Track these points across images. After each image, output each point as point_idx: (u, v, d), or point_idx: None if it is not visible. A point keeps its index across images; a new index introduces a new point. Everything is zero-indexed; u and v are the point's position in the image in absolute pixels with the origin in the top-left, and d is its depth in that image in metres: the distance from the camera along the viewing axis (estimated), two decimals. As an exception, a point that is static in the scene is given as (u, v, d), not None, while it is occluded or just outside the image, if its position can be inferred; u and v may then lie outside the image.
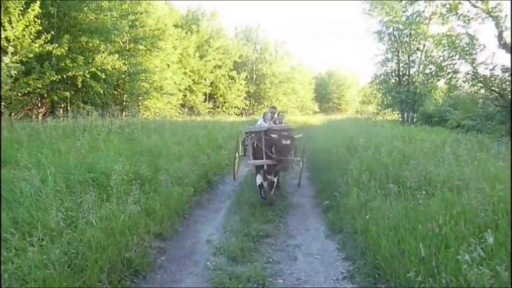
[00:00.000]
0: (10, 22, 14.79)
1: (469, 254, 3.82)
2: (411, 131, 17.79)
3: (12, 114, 15.57)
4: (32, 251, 4.03)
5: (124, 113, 22.78)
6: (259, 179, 9.04)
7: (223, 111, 39.29)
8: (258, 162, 9.01)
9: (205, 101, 37.07)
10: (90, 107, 19.14)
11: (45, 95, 18.16)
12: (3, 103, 14.56)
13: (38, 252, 4.06)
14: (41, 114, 18.12)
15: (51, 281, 3.84)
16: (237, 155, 11.55)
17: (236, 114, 40.71)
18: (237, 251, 6.23)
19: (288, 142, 8.63)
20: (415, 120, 30.68)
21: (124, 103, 24.05)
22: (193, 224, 7.61)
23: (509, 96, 18.80)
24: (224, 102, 40.50)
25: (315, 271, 5.90)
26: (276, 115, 11.41)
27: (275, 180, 9.27)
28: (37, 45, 15.74)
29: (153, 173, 8.47)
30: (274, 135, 8.75)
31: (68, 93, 18.69)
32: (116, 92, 23.35)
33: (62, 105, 19.76)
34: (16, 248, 4.19)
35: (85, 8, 18.98)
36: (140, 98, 24.83)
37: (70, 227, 4.78)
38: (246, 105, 43.59)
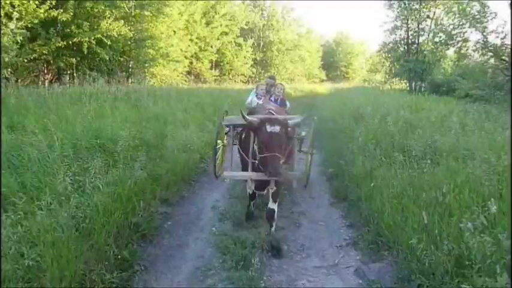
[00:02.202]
0: (15, -13, 14.63)
1: (471, 222, 3.85)
2: (418, 100, 17.61)
3: (19, 80, 15.55)
4: (41, 214, 4.10)
5: (130, 80, 22.68)
6: (251, 185, 5.44)
7: (230, 79, 39.01)
8: (238, 175, 5.83)
9: (211, 68, 36.79)
10: (96, 73, 19.06)
11: (51, 62, 18.09)
12: (9, 69, 14.52)
13: (46, 215, 4.13)
14: (47, 81, 18.09)
15: (59, 244, 3.91)
16: (219, 143, 6.98)
17: (243, 81, 40.45)
18: (242, 217, 6.31)
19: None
20: (423, 89, 30.33)
21: (130, 70, 23.92)
22: (199, 190, 7.69)
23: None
24: (230, 69, 40.17)
25: (319, 237, 5.98)
26: (273, 88, 8.37)
27: (275, 207, 5.61)
28: (42, 10, 15.57)
29: (159, 140, 8.52)
30: (273, 129, 4.84)
31: (74, 59, 18.58)
32: (121, 59, 23.19)
33: (68, 72, 19.71)
34: (24, 211, 4.26)
35: (90, -27, 18.70)
36: (146, 65, 24.65)
37: (77, 192, 4.85)
38: (253, 73, 43.21)
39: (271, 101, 8.06)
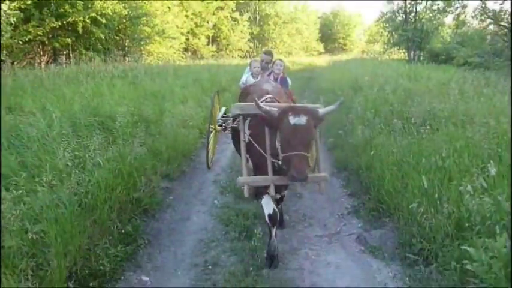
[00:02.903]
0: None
1: (471, 185, 3.86)
2: (417, 69, 17.53)
3: (15, 63, 15.43)
4: (42, 191, 4.11)
5: (127, 58, 22.52)
6: (268, 204, 4.47)
7: (227, 54, 38.71)
8: (260, 181, 4.31)
9: (208, 44, 36.49)
10: (92, 53, 18.92)
11: (47, 43, 17.93)
12: (4, 51, 14.40)
13: (48, 192, 4.15)
14: (43, 62, 17.96)
15: (62, 220, 3.94)
16: (213, 128, 6.26)
17: (240, 57, 40.13)
18: (243, 190, 6.34)
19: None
20: (421, 58, 30.17)
21: (126, 48, 23.74)
22: (200, 165, 7.70)
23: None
24: (227, 45, 39.85)
25: (320, 207, 6.02)
26: (270, 65, 7.07)
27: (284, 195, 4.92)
28: (35, -10, 15.39)
29: (158, 116, 8.51)
30: (298, 121, 3.76)
31: (69, 39, 18.41)
32: (117, 38, 22.98)
33: (64, 53, 19.56)
34: (26, 189, 4.27)
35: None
36: (142, 42, 24.45)
37: (78, 168, 4.86)
38: (250, 48, 42.85)
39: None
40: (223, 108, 7.01)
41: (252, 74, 6.87)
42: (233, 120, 5.00)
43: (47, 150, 5.39)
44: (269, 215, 4.42)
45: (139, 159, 6.09)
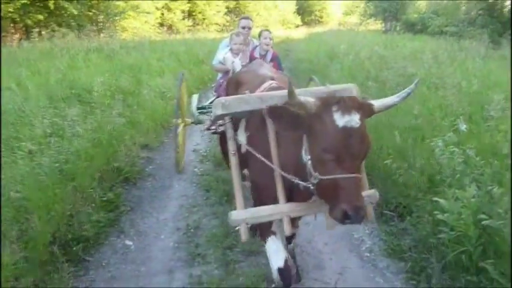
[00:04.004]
0: None
1: (442, 139, 4.01)
2: (393, 39, 17.68)
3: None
4: (23, 160, 4.13)
5: (101, 34, 22.18)
6: (278, 253, 2.92)
7: (204, 29, 38.29)
8: (266, 214, 2.68)
9: (183, 18, 35.99)
10: (65, 29, 18.58)
11: (18, 20, 17.53)
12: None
13: (28, 160, 4.18)
14: (15, 41, 17.58)
15: (44, 188, 3.98)
16: (180, 122, 5.72)
17: (217, 31, 39.72)
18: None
19: None
20: (397, 28, 30.34)
21: (100, 24, 23.35)
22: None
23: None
24: (204, 19, 39.36)
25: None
26: (249, 38, 5.94)
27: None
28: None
29: (135, 87, 8.48)
30: (349, 122, 2.22)
31: (41, 16, 18.05)
32: (90, 13, 22.60)
33: (37, 30, 19.18)
34: (5, 162, 4.29)
35: None
36: (116, 18, 24.08)
37: (57, 135, 4.88)
38: (227, 21, 42.43)
39: (258, 57, 5.45)
40: (195, 96, 5.80)
41: (231, 49, 5.46)
42: (213, 123, 3.91)
43: (24, 122, 5.38)
44: (280, 270, 2.87)
45: (118, 129, 6.12)
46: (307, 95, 2.41)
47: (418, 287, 3.57)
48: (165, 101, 8.61)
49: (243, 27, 5.84)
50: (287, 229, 2.62)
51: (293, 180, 2.48)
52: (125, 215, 4.81)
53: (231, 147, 2.84)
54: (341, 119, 2.21)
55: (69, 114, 5.60)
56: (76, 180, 4.53)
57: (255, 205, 2.89)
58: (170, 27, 34.02)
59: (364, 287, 3.67)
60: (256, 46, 5.78)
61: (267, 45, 5.59)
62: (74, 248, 3.90)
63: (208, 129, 4.61)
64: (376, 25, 35.63)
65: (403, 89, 4.32)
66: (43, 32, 18.48)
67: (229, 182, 5.45)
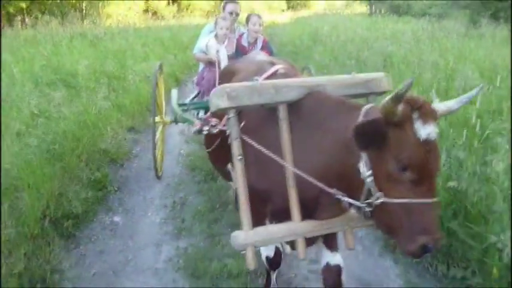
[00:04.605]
0: None
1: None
2: (378, 21, 17.81)
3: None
4: (11, 140, 4.24)
5: (85, 21, 22.04)
6: (301, 251, 2.27)
7: (189, 15, 38.08)
8: (279, 236, 2.26)
9: (168, 4, 35.79)
10: (48, 16, 18.45)
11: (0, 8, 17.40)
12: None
13: (16, 140, 4.29)
14: (-2, 28, 17.46)
15: (32, 166, 4.10)
16: (158, 120, 5.20)
17: (202, 16, 39.53)
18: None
19: None
20: (383, 11, 30.44)
21: (84, 11, 23.18)
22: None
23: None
24: (188, 5, 39.17)
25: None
26: (235, 24, 5.30)
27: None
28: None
29: (120, 72, 8.55)
30: (431, 134, 1.80)
31: (24, 4, 17.90)
32: (73, 0, 22.42)
33: (19, 18, 19.03)
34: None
35: None
36: (100, 4, 23.91)
37: (44, 117, 4.98)
38: (212, 7, 42.20)
39: (246, 45, 4.99)
40: (174, 92, 5.16)
41: (216, 36, 4.80)
42: (205, 122, 2.93)
43: (10, 106, 5.46)
44: (268, 259, 2.80)
45: (104, 112, 6.22)
46: (336, 87, 2.26)
47: (394, 252, 3.76)
48: (150, 85, 8.69)
49: (230, 13, 5.09)
50: (301, 253, 2.22)
51: (337, 195, 2.01)
52: (112, 194, 4.96)
53: (237, 150, 2.19)
54: (423, 130, 1.77)
55: (55, 97, 5.68)
56: (64, 161, 4.65)
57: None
58: (155, 13, 33.81)
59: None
60: (244, 33, 5.07)
61: (256, 32, 4.90)
62: (64, 224, 4.04)
63: (200, 131, 2.95)
64: (362, 8, 35.70)
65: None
66: (26, 20, 18.38)
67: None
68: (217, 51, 4.67)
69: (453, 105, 2.07)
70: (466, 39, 9.48)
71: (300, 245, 2.21)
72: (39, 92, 6.02)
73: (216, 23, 4.80)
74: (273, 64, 2.83)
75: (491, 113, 4.36)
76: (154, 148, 4.85)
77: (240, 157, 2.19)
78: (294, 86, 2.22)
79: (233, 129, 2.21)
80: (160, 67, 5.22)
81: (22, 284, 3.18)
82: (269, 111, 2.26)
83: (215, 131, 2.76)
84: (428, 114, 1.80)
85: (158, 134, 5.04)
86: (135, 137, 6.72)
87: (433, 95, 4.29)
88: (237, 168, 2.21)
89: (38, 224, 3.74)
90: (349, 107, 2.11)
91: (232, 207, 4.56)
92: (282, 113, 2.17)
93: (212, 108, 2.28)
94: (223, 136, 2.65)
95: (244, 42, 4.98)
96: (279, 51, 13.52)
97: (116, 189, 5.09)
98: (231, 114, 2.21)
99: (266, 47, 4.96)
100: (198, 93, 5.11)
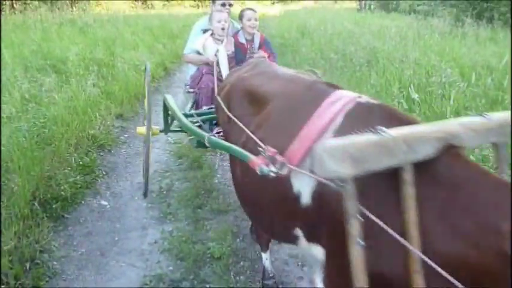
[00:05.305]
0: None
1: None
2: (366, 17, 18.01)
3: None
4: (2, 123, 4.35)
5: (74, 8, 21.91)
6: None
7: (179, 4, 37.92)
8: None
9: (158, -7, 35.59)
10: (37, 2, 18.34)
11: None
12: None
13: (7, 123, 4.39)
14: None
15: (23, 150, 4.22)
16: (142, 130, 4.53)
17: (192, 6, 39.38)
18: (195, 128, 6.70)
19: None
20: (372, 7, 30.66)
21: (73, -3, 23.02)
22: (153, 107, 7.93)
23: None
24: (179, -6, 38.97)
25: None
26: (228, 20, 4.40)
27: None
28: None
29: (109, 60, 8.63)
30: None
31: (13, -11, 17.76)
32: (63, -14, 22.25)
33: (8, 3, 18.85)
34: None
35: None
36: (89, -9, 23.76)
37: (34, 102, 5.08)
38: (202, -3, 42.04)
39: (243, 43, 4.50)
40: (170, 97, 4.13)
41: (212, 34, 4.27)
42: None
43: (2, 90, 5.54)
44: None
45: (93, 98, 6.32)
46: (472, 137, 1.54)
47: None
48: (139, 73, 8.79)
49: (222, 4, 4.56)
50: None
51: None
52: (100, 178, 5.07)
53: (355, 230, 1.46)
54: None
55: (46, 82, 5.78)
56: (53, 145, 4.77)
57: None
58: (145, 1, 33.64)
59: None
60: (239, 30, 4.56)
61: (253, 27, 4.41)
62: (53, 206, 4.16)
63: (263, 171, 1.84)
64: (351, 3, 35.91)
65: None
66: (15, 5, 18.21)
67: (202, 152, 5.77)
68: (217, 52, 4.18)
69: None
70: (450, 37, 9.69)
71: None
72: (30, 77, 6.09)
73: (210, 18, 4.29)
74: (333, 87, 2.04)
75: (466, 109, 4.56)
76: (147, 165, 4.19)
77: (360, 241, 1.46)
78: (429, 138, 1.50)
79: (351, 203, 1.47)
80: (145, 67, 4.62)
81: (12, 262, 3.30)
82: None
83: (285, 172, 1.78)
84: None
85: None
86: (124, 124, 6.83)
87: (412, 91, 4.53)
88: (355, 254, 1.53)
89: (27, 205, 3.86)
90: (496, 181, 1.47)
91: (215, 194, 4.74)
92: (408, 174, 1.46)
93: (323, 174, 1.45)
94: (285, 182, 1.87)
95: (241, 40, 4.48)
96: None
97: (104, 173, 5.21)
98: (348, 182, 1.43)
99: (264, 44, 4.55)
100: (195, 102, 4.44)
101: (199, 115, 3.96)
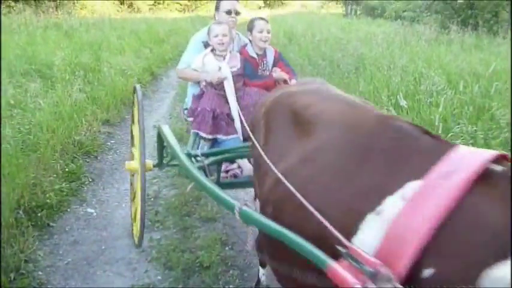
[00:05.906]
0: None
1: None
2: (352, 22, 18.12)
3: None
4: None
5: (59, 11, 21.73)
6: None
7: (165, 8, 37.81)
8: None
9: (145, -3, 35.43)
10: (22, 5, 18.15)
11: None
12: None
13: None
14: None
15: (8, 157, 4.14)
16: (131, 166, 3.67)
17: (178, 10, 39.30)
18: (183, 133, 6.64)
19: None
20: (358, 12, 30.91)
21: (58, 0, 22.82)
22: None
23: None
24: (165, -2, 38.84)
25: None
26: (234, 30, 4.00)
27: None
28: None
29: (95, 64, 8.55)
30: None
31: (-5, -10, 17.52)
32: (48, -12, 22.06)
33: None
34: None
35: None
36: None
37: (19, 108, 5.00)
38: (189, 1, 41.97)
39: (254, 57, 3.73)
40: (167, 129, 3.45)
41: (213, 50, 3.66)
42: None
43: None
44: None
45: (79, 104, 6.25)
46: None
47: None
48: (126, 78, 8.72)
49: (227, 12, 3.86)
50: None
51: None
52: (86, 185, 5.00)
53: None
54: None
55: (31, 87, 5.70)
56: (39, 152, 4.69)
57: None
58: (131, 5, 33.47)
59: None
60: (247, 44, 3.86)
61: (265, 40, 3.68)
62: (39, 214, 4.09)
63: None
64: (337, 8, 36.17)
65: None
66: (-1, 7, 18.00)
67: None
68: (220, 68, 3.55)
69: None
70: (436, 44, 9.79)
71: None
72: (15, 82, 6.00)
73: (209, 31, 3.67)
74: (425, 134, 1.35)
75: (454, 116, 4.59)
76: (143, 204, 3.15)
77: None
78: None
79: None
80: (135, 88, 3.54)
81: (-4, 272, 3.24)
82: None
83: None
84: None
85: (137, 184, 3.37)
86: (110, 130, 6.76)
87: (400, 98, 4.54)
88: None
89: (12, 213, 3.79)
90: None
91: (203, 201, 4.70)
92: None
93: None
94: None
95: (251, 54, 3.74)
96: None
97: (90, 180, 5.14)
98: None
99: (279, 59, 3.82)
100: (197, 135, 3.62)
101: (211, 154, 3.21)
